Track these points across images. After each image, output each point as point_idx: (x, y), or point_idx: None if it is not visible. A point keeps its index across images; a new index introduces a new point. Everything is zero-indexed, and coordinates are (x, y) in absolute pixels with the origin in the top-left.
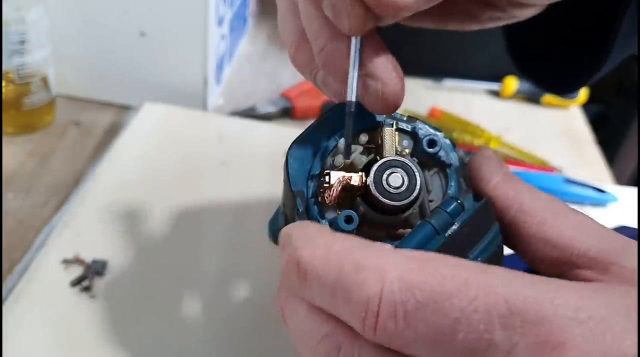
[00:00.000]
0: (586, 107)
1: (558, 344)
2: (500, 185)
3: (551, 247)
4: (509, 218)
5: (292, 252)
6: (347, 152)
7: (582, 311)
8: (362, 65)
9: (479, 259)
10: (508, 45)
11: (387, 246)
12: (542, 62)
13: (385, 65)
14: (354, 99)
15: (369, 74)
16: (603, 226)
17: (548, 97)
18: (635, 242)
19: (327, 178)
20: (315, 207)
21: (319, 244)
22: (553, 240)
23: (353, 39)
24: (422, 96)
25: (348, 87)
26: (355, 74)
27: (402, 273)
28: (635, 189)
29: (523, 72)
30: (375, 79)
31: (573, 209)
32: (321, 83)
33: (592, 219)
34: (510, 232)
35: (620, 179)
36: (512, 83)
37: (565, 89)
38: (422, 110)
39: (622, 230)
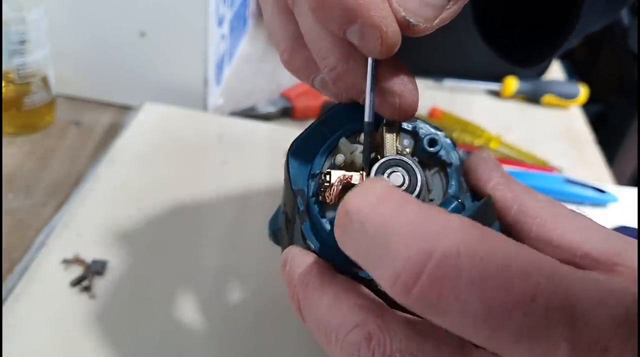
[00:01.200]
0: (586, 107)
1: (605, 347)
2: (499, 186)
3: (553, 249)
4: (509, 219)
5: (345, 200)
6: (368, 173)
7: (628, 315)
8: (378, 81)
9: None
10: (474, 14)
11: (444, 210)
12: (508, 32)
13: (402, 80)
14: (371, 120)
15: (386, 90)
16: (603, 227)
17: (548, 98)
18: (635, 242)
19: (327, 177)
20: (316, 206)
21: (373, 192)
22: (554, 241)
23: (370, 60)
24: (422, 96)
25: (366, 108)
26: (372, 95)
27: (464, 239)
28: (635, 189)
29: (489, 44)
30: (392, 94)
31: (572, 211)
32: (320, 86)
33: (592, 220)
34: (510, 233)
35: (620, 179)
36: (512, 83)
37: (530, 61)
38: (422, 110)
39: (622, 230)
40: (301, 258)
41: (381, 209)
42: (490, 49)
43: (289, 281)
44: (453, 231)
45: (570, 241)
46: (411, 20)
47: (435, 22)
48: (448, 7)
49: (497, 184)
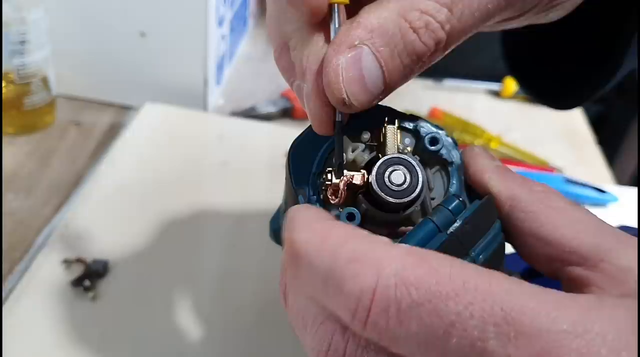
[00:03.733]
0: (586, 107)
1: None
2: (492, 182)
3: (544, 244)
4: (503, 214)
5: (289, 234)
6: (340, 171)
7: (579, 325)
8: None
9: (480, 256)
10: (507, 57)
11: (386, 240)
12: (541, 74)
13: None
14: (341, 119)
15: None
16: (598, 220)
17: None
18: (631, 238)
19: (329, 176)
20: (317, 204)
21: (315, 228)
22: (545, 237)
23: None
24: (422, 96)
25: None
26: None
27: (399, 269)
28: (635, 189)
29: (522, 84)
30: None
31: (568, 202)
32: (296, 91)
33: (587, 212)
34: (505, 228)
35: (620, 179)
36: (512, 83)
37: (566, 104)
38: (422, 110)
39: (622, 230)
40: (293, 244)
41: (327, 248)
42: (523, 87)
43: (282, 264)
44: (390, 263)
45: (560, 236)
46: (349, 100)
47: (366, 106)
48: (380, 96)
49: (489, 179)
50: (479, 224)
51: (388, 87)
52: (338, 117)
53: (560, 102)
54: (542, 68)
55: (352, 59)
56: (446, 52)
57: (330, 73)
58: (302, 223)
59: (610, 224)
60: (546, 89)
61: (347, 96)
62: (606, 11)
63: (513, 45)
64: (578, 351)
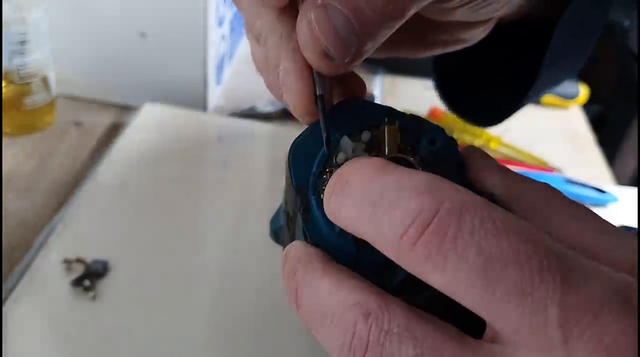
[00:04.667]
0: (586, 107)
1: (596, 314)
2: (492, 181)
3: None
4: None
5: (339, 173)
6: (328, 144)
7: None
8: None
9: None
10: (437, 82)
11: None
12: (468, 94)
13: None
14: (322, 93)
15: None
16: (600, 220)
17: (548, 98)
18: (633, 238)
19: (329, 175)
20: (318, 204)
21: (371, 160)
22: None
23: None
24: (422, 96)
25: (315, 79)
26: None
27: (471, 198)
28: (635, 189)
29: (450, 106)
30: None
31: (569, 201)
32: (274, 82)
33: (589, 211)
34: None
35: (620, 179)
36: None
37: (491, 120)
38: (422, 110)
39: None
40: (303, 246)
41: (383, 173)
42: (452, 111)
43: (289, 266)
44: (460, 192)
45: (563, 235)
46: (330, 50)
47: (347, 61)
48: (358, 49)
49: (489, 179)
50: None
51: (363, 40)
52: (318, 91)
53: (482, 120)
54: (468, 90)
55: (320, 13)
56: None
57: (304, 30)
58: (354, 161)
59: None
60: (471, 109)
61: (327, 47)
62: (524, 37)
63: (442, 70)
64: None
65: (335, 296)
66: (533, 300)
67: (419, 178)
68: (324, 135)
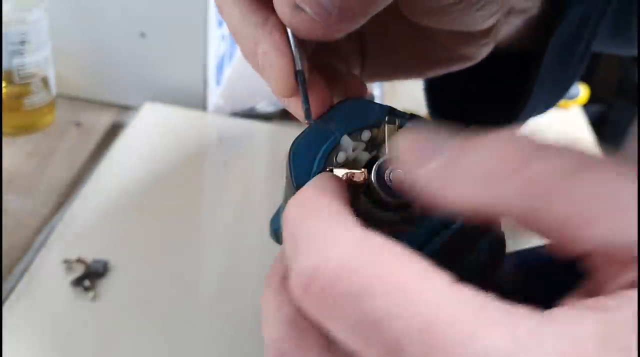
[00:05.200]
0: (586, 107)
1: None
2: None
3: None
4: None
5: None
6: (308, 116)
7: (501, 349)
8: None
9: (481, 256)
10: (430, 103)
11: (349, 220)
12: (459, 115)
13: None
14: (301, 69)
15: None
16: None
17: None
18: None
19: None
20: None
21: (304, 194)
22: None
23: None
24: (422, 96)
25: (294, 53)
26: (295, 40)
27: (344, 253)
28: None
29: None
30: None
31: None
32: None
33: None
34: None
35: None
36: None
37: None
38: (422, 110)
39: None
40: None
41: (296, 218)
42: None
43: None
44: (339, 248)
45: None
46: (300, 3)
47: (322, 20)
48: (332, 16)
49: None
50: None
51: (342, 7)
52: (298, 66)
53: None
54: (457, 111)
55: None
56: None
57: None
58: (296, 195)
59: None
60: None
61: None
62: (513, 64)
63: (434, 93)
64: None
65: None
66: None
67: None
68: (304, 107)
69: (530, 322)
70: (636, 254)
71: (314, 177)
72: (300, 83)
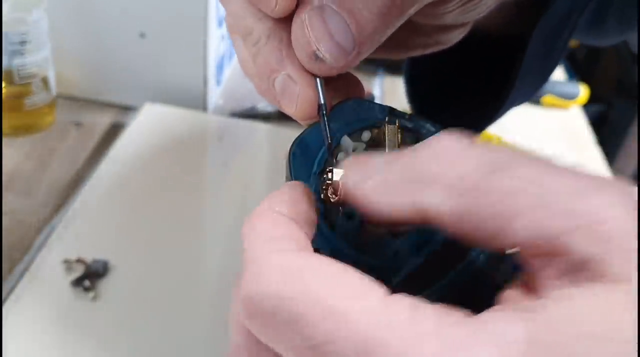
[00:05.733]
0: (586, 107)
1: None
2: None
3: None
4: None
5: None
6: (330, 151)
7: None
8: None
9: (481, 256)
10: (410, 96)
11: (284, 245)
12: (442, 105)
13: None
14: (323, 101)
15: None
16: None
17: (548, 98)
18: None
19: (329, 175)
20: (318, 204)
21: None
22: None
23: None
24: None
25: (319, 89)
26: (322, 81)
27: (275, 281)
28: (635, 189)
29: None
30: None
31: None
32: (277, 86)
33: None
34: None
35: None
36: None
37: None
38: None
39: None
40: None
41: (244, 231)
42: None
43: None
44: (272, 273)
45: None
46: (321, 53)
47: (340, 65)
48: (356, 52)
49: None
50: None
51: (359, 42)
52: (321, 99)
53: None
54: (441, 101)
55: (315, 15)
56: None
57: (296, 30)
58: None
59: None
60: (442, 120)
61: (318, 48)
62: (498, 50)
63: (414, 85)
64: None
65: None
66: None
67: None
68: (327, 142)
69: (462, 330)
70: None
71: (282, 187)
72: (322, 116)
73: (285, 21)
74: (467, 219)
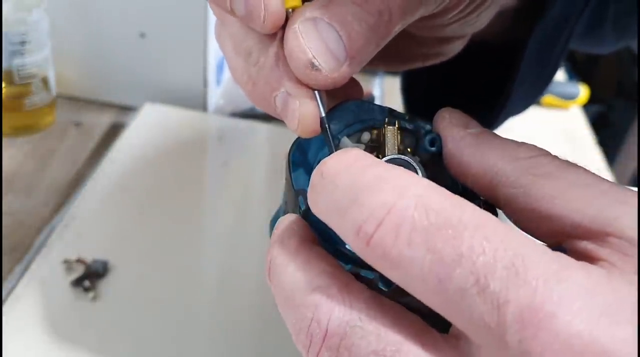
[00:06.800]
0: (586, 107)
1: (549, 313)
2: (467, 158)
3: (543, 220)
4: (493, 195)
5: (318, 167)
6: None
7: (587, 291)
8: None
9: None
10: (406, 101)
11: (414, 174)
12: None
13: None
14: (323, 114)
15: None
16: (598, 181)
17: (548, 98)
18: (636, 203)
19: None
20: None
21: (348, 154)
22: (543, 212)
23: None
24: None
25: (319, 103)
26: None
27: (422, 193)
28: (635, 189)
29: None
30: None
31: (561, 165)
32: (279, 103)
33: (584, 172)
34: (501, 209)
35: (620, 180)
36: None
37: None
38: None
39: None
40: (289, 222)
41: (353, 169)
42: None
43: (272, 241)
44: (414, 187)
45: (559, 210)
46: (317, 62)
47: (335, 75)
48: (350, 63)
49: (465, 158)
50: None
51: (351, 55)
52: (322, 113)
53: None
54: (437, 110)
55: (309, 27)
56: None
57: (291, 41)
58: (334, 155)
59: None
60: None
61: (314, 56)
62: (495, 59)
63: (411, 88)
64: (577, 314)
65: (301, 278)
66: (484, 303)
67: (370, 176)
68: (330, 151)
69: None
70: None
71: (342, 149)
72: (325, 130)
73: (280, 38)
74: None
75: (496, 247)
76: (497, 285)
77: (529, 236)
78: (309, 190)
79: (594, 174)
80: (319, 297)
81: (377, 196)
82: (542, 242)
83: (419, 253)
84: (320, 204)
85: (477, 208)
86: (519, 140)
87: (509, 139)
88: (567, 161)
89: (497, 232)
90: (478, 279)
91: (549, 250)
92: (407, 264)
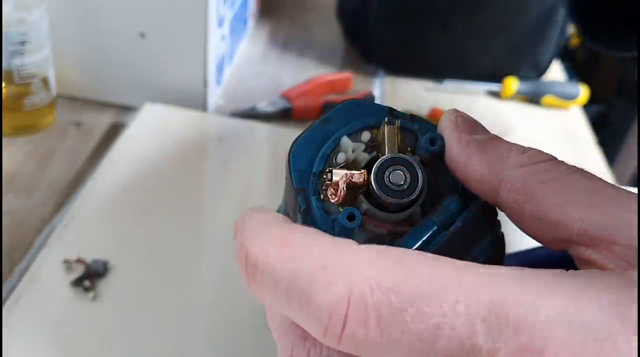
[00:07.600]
0: (586, 107)
1: (537, 350)
2: (472, 163)
3: (549, 226)
4: (497, 200)
5: (241, 241)
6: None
7: (563, 314)
8: None
9: (480, 256)
10: (571, 11)
11: (352, 242)
12: (604, 22)
13: None
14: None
15: None
16: (603, 186)
17: (548, 98)
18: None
19: (329, 176)
20: (318, 204)
21: (273, 235)
22: (548, 219)
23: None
24: (422, 97)
25: None
26: None
27: (373, 273)
28: (635, 189)
29: (586, 36)
30: None
31: (566, 170)
32: None
33: (590, 177)
34: (505, 213)
35: (620, 180)
36: (512, 84)
37: (627, 47)
38: (422, 110)
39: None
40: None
41: (287, 256)
42: (591, 41)
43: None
44: (363, 268)
45: (565, 217)
46: None
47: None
48: None
49: (469, 158)
50: (479, 224)
51: None
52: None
53: (620, 46)
54: (604, 15)
55: None
56: None
57: None
58: (257, 229)
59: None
60: (607, 35)
61: None
62: None
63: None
64: (562, 342)
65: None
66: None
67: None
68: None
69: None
70: None
71: (252, 212)
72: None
73: None
74: None
75: (468, 304)
76: (483, 340)
77: (487, 266)
78: (245, 276)
79: (599, 179)
80: (291, 340)
81: (328, 290)
82: (547, 248)
83: (394, 338)
84: (266, 300)
85: (433, 263)
86: (519, 140)
87: (515, 144)
88: (572, 166)
89: (463, 285)
90: (462, 343)
91: (518, 273)
92: (388, 351)
